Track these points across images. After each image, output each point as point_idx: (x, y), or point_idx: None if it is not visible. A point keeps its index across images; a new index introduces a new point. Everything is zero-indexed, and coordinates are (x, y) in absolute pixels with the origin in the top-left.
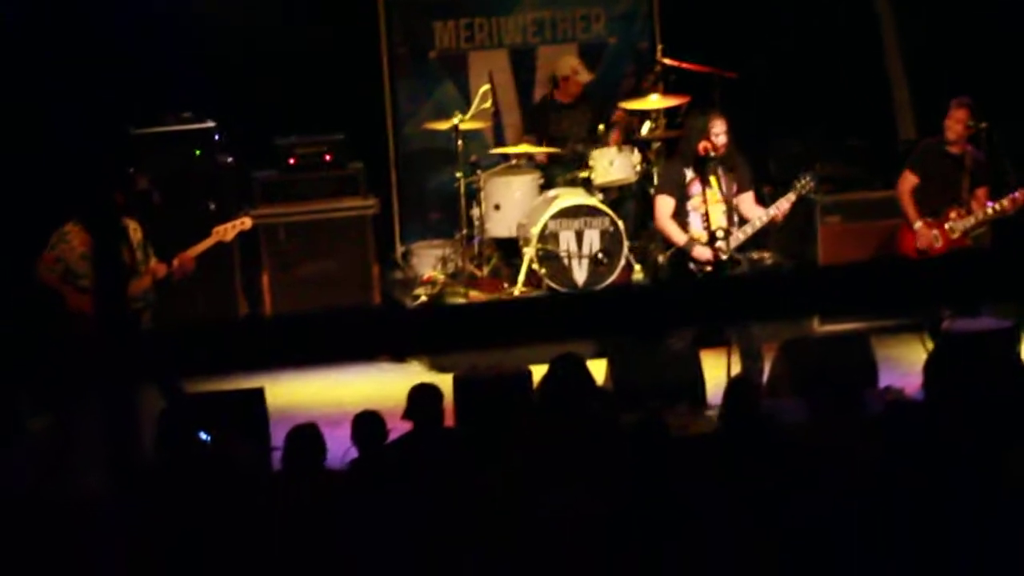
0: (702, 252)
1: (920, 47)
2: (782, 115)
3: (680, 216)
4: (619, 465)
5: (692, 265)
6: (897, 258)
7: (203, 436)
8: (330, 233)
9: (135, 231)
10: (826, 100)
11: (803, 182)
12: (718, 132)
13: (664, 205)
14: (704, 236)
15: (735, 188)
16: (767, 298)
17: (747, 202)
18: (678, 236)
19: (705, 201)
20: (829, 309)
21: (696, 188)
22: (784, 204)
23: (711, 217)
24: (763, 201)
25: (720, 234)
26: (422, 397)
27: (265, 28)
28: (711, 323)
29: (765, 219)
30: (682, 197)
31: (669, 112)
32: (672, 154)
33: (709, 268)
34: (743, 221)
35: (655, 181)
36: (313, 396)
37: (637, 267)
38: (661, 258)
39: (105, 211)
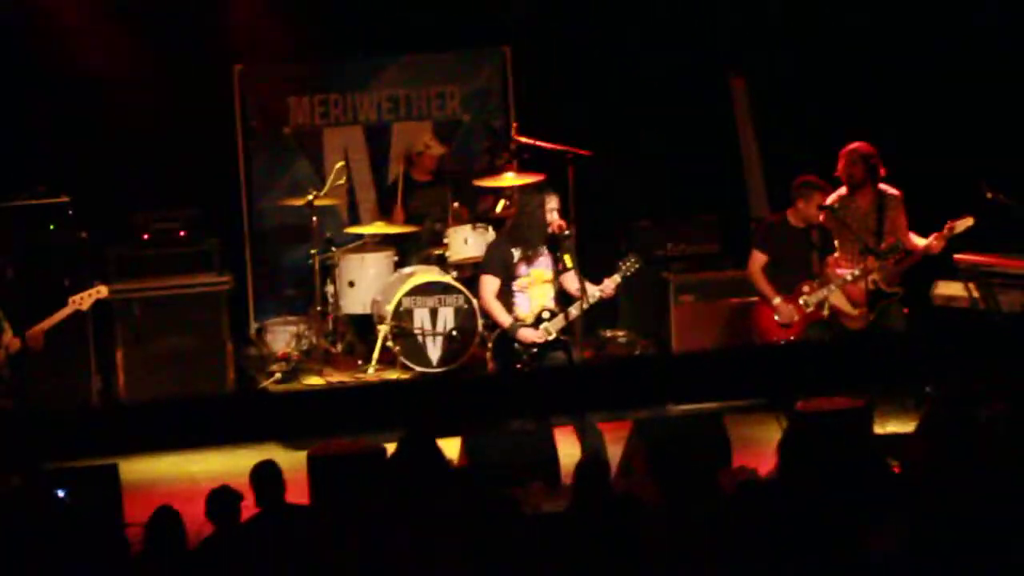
0: (526, 334)
1: (773, 126)
2: (635, 192)
3: (506, 297)
4: (474, 542)
5: (517, 346)
6: (742, 346)
7: (59, 493)
8: (184, 309)
9: None
10: (679, 177)
11: (629, 263)
12: (551, 208)
13: (489, 284)
14: (530, 317)
15: (561, 266)
16: (616, 388)
17: (570, 280)
18: (502, 317)
19: (532, 282)
20: (675, 397)
21: (523, 269)
22: (609, 285)
23: (537, 298)
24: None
25: (546, 315)
26: (261, 477)
27: (119, 101)
28: (554, 414)
29: (592, 300)
30: (509, 277)
31: (522, 190)
32: (501, 234)
33: (535, 349)
34: (567, 299)
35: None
36: (166, 471)
37: (491, 345)
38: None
39: None
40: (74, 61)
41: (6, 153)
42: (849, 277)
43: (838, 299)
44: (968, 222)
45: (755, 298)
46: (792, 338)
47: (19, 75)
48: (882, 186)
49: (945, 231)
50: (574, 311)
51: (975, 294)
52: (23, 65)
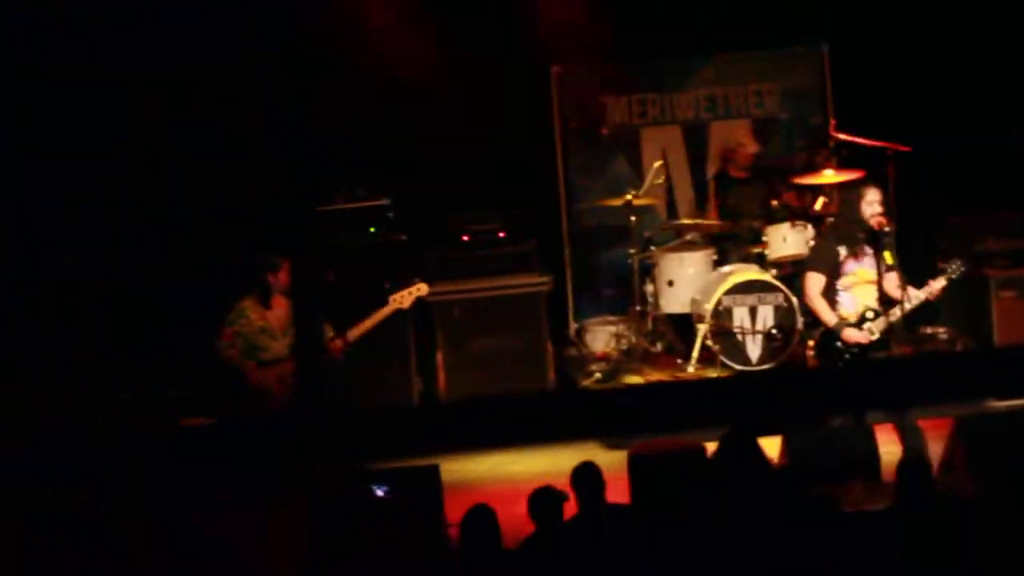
0: (851, 334)
1: None
2: (957, 188)
3: (830, 294)
4: (796, 541)
5: (839, 345)
6: None
7: (378, 490)
8: (504, 310)
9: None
10: (1000, 172)
11: (954, 266)
12: (871, 200)
13: (814, 282)
14: (854, 316)
15: (882, 264)
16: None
17: (891, 280)
18: (827, 315)
19: (857, 281)
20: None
21: (850, 266)
22: (934, 288)
23: (861, 297)
24: (931, 276)
25: (870, 315)
26: (583, 477)
27: (436, 104)
28: (872, 408)
29: (915, 302)
30: (834, 275)
31: (842, 187)
32: (828, 230)
33: (857, 349)
34: (890, 300)
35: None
36: (486, 472)
37: (811, 342)
38: (810, 340)
39: (307, 283)
40: (389, 64)
41: (326, 157)
42: None
43: None
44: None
45: None
46: None
47: (335, 79)
48: None
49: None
50: (897, 312)
51: None
52: (339, 69)
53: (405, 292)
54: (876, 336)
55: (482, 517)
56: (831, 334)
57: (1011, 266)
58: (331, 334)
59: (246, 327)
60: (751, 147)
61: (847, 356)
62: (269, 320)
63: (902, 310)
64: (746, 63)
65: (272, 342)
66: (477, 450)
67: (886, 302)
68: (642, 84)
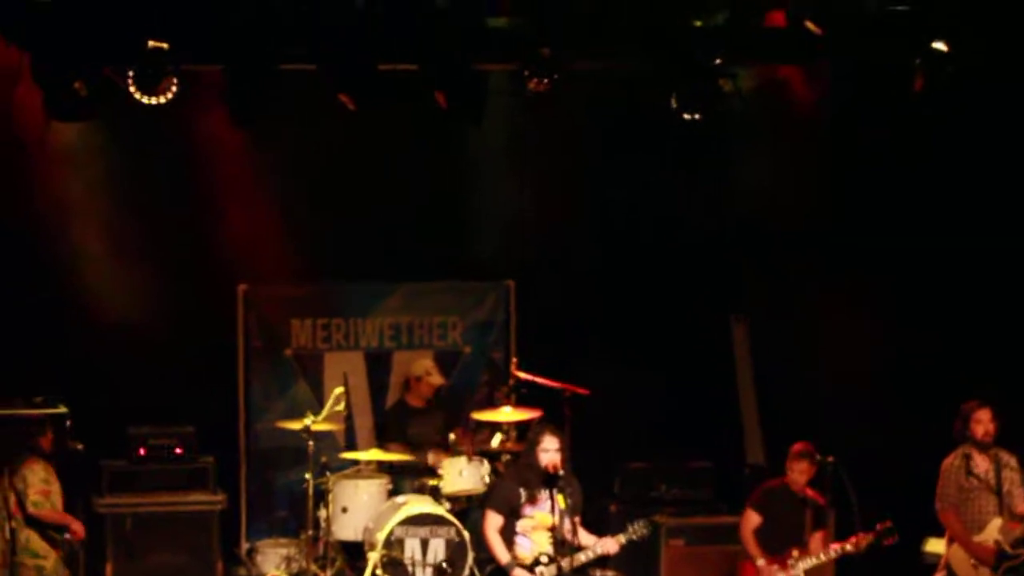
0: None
1: (772, 378)
2: (631, 434)
3: (508, 535)
4: None
5: None
6: None
7: None
8: (177, 526)
9: None
10: (677, 420)
11: (636, 527)
12: (547, 448)
13: (492, 520)
14: (529, 558)
15: (568, 511)
16: None
17: (567, 524)
18: (501, 553)
19: (535, 526)
20: None
21: (528, 510)
22: (612, 545)
23: (538, 542)
24: (607, 521)
25: (544, 559)
26: None
27: (121, 316)
28: None
29: (591, 556)
30: (512, 515)
31: (520, 425)
32: (507, 470)
33: None
34: (572, 546)
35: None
36: None
37: None
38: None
39: None
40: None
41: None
42: (839, 551)
43: (957, 559)
44: None
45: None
46: None
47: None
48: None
49: None
50: (582, 558)
51: None
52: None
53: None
54: None
55: None
56: (502, 572)
57: (681, 514)
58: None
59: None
60: (436, 378)
61: None
62: None
63: (575, 561)
64: (433, 294)
65: None
66: None
67: (561, 545)
68: (328, 308)
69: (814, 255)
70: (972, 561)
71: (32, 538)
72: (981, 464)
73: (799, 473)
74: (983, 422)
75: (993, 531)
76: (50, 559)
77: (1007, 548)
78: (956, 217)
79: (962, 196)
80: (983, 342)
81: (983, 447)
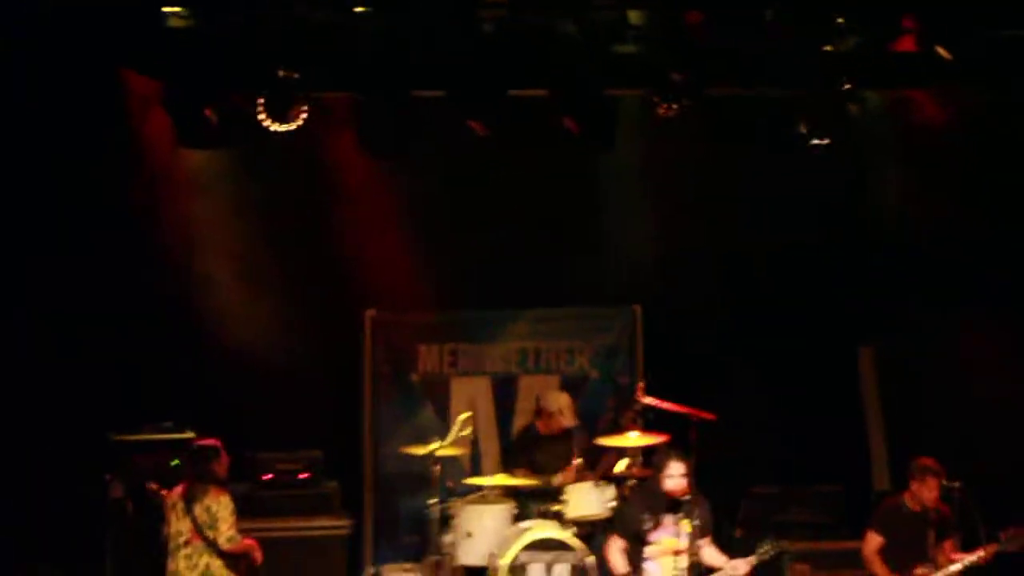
0: None
1: (898, 404)
2: (758, 460)
3: (635, 560)
4: None
5: None
6: None
7: None
8: (303, 551)
9: None
10: (803, 446)
11: (765, 548)
12: (672, 474)
13: (614, 542)
14: None
15: (695, 535)
16: None
17: (705, 547)
18: (620, 569)
19: (663, 551)
20: None
21: (654, 535)
22: (743, 567)
23: (666, 568)
24: (730, 545)
25: None
26: None
27: (249, 342)
28: None
29: (741, 570)
30: (637, 541)
31: (646, 451)
32: (633, 495)
33: None
34: (701, 569)
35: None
36: None
37: None
38: None
39: None
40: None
41: (136, 384)
42: (966, 563)
43: None
44: None
45: (870, 572)
46: None
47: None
48: None
49: None
50: None
51: None
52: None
53: None
54: None
55: None
56: None
57: (807, 538)
58: None
59: None
60: (568, 420)
61: None
62: None
63: None
64: (559, 320)
65: None
66: None
67: (699, 572)
68: (455, 334)
69: (943, 281)
70: None
71: (214, 565)
72: None
73: (927, 489)
74: None
75: None
76: None
77: None
78: None
79: None
80: None
81: None
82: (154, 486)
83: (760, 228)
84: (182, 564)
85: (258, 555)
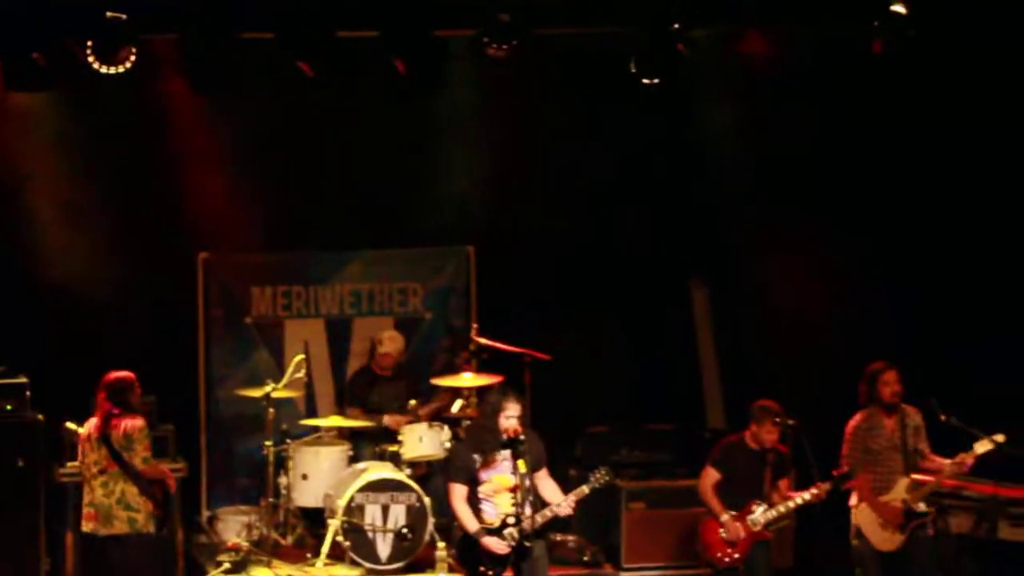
0: (490, 542)
1: (731, 344)
2: (592, 399)
3: (473, 502)
4: None
5: (479, 551)
6: None
7: None
8: None
9: None
10: (637, 385)
11: (598, 475)
12: (509, 414)
13: (456, 491)
14: (495, 522)
15: (529, 472)
16: None
17: (542, 480)
18: (469, 522)
19: (496, 489)
20: None
21: (485, 474)
22: (572, 498)
23: (501, 505)
24: (567, 485)
25: (511, 521)
26: None
27: (81, 285)
28: None
29: (556, 511)
30: (473, 483)
31: (481, 391)
32: (467, 435)
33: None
34: (540, 505)
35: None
36: None
37: (441, 544)
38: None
39: None
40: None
41: None
42: (799, 501)
43: (865, 520)
44: (998, 438)
45: (704, 510)
46: (738, 555)
47: None
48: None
49: (975, 450)
50: (540, 519)
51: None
52: None
53: None
54: (515, 543)
55: None
56: (471, 540)
57: (642, 477)
58: None
59: None
60: (398, 345)
61: (488, 563)
62: None
63: (544, 517)
64: (393, 261)
65: None
66: None
67: (523, 506)
68: (289, 276)
69: (773, 219)
70: (880, 521)
71: (128, 492)
72: (888, 425)
73: (767, 431)
74: (890, 383)
75: (901, 491)
76: (142, 512)
77: (914, 507)
78: (912, 179)
79: (920, 158)
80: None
81: (890, 408)
82: (70, 425)
83: (591, 167)
84: (99, 492)
85: (172, 483)
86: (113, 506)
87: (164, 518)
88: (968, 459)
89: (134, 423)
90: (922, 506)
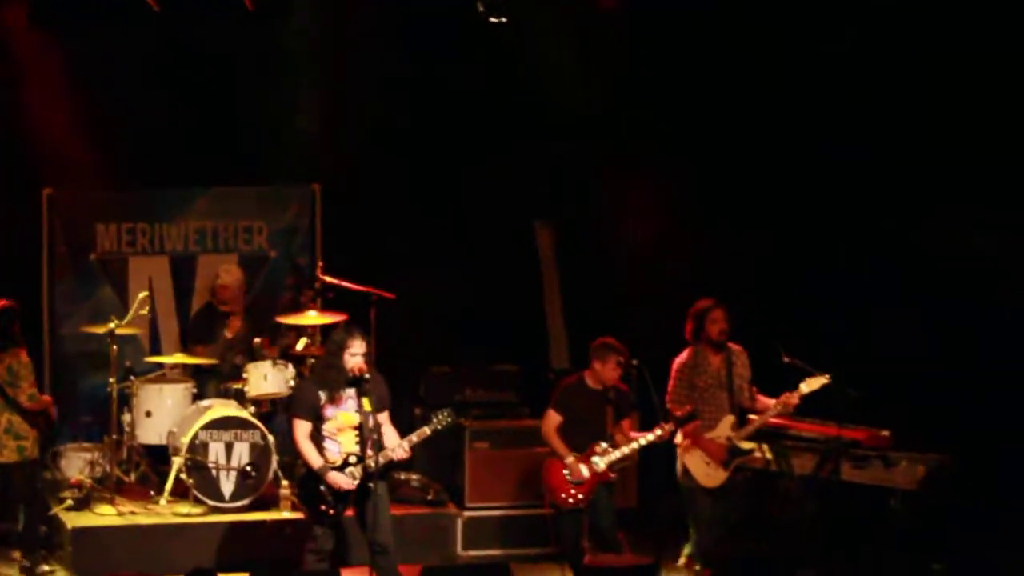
0: (336, 478)
1: (577, 284)
2: (437, 338)
3: (317, 439)
4: None
5: (324, 488)
6: None
7: None
8: None
9: None
10: (482, 325)
11: (440, 417)
12: (355, 352)
13: (300, 428)
14: (339, 460)
15: (373, 411)
16: None
17: (384, 425)
18: (313, 459)
19: (340, 427)
20: None
21: (330, 411)
22: (407, 442)
23: (345, 443)
24: (411, 424)
25: (352, 460)
26: None
27: None
28: None
29: (391, 455)
30: (318, 420)
31: (325, 329)
32: (308, 374)
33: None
34: (382, 445)
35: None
36: None
37: (285, 482)
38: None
39: None
40: None
41: None
42: (643, 441)
43: (690, 457)
44: (823, 379)
45: (548, 450)
46: (581, 496)
47: None
48: (730, 344)
49: (800, 389)
50: (382, 460)
51: (768, 456)
52: None
53: None
54: (358, 481)
55: None
56: (315, 477)
57: (486, 417)
58: None
59: None
60: (230, 283)
61: (331, 499)
62: None
63: (386, 458)
64: (237, 198)
65: None
66: None
67: (367, 444)
68: (133, 213)
69: (617, 159)
70: (706, 459)
71: (15, 421)
72: (714, 363)
73: (608, 369)
74: (718, 321)
75: (725, 428)
76: (30, 439)
77: (738, 444)
78: (759, 116)
79: (760, 93)
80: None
81: (717, 346)
82: None
83: (436, 105)
84: None
85: (53, 411)
86: (2, 436)
87: (47, 443)
88: (793, 399)
89: (18, 357)
90: (746, 444)
